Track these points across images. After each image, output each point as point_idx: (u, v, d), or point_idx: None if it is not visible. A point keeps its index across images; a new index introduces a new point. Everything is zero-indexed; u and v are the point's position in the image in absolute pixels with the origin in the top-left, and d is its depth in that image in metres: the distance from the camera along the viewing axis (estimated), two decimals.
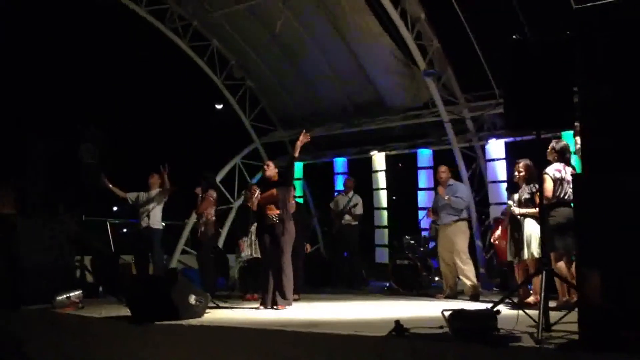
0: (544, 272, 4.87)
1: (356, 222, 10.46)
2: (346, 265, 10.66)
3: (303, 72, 12.35)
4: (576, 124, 5.40)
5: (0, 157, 8.25)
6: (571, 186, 6.39)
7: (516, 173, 7.09)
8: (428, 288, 9.21)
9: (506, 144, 10.89)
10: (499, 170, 10.85)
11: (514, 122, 5.12)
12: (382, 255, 12.03)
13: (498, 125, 11.28)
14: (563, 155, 6.54)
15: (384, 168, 12.25)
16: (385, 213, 12.15)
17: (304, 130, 7.21)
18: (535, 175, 7.13)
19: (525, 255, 6.77)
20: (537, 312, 5.23)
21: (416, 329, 4.80)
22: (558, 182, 6.35)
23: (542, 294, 4.76)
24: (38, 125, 9.05)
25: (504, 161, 10.83)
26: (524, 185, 7.02)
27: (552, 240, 6.31)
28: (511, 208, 6.99)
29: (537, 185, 6.87)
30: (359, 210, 10.44)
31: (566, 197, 6.35)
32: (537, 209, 6.75)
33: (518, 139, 10.84)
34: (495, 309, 4.72)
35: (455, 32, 10.82)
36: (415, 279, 9.29)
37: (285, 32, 11.61)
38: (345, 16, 10.91)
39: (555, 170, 6.39)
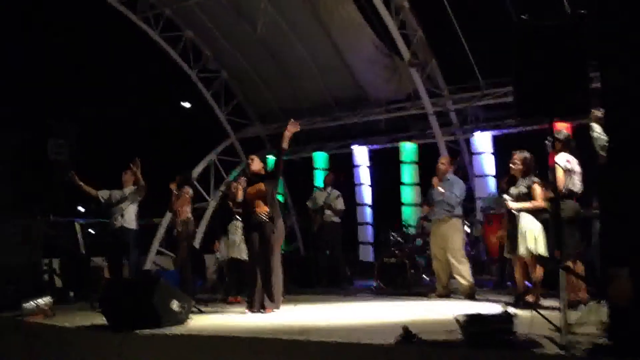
0: (562, 271, 4.54)
1: (338, 219, 10.05)
2: (328, 263, 10.24)
3: (282, 64, 11.90)
4: (593, 111, 5.11)
5: None
6: (579, 178, 6.13)
7: (512, 165, 6.76)
8: (416, 287, 8.86)
9: (493, 136, 10.61)
10: (486, 163, 10.57)
11: (526, 110, 4.77)
12: (367, 253, 11.67)
13: (482, 118, 11.03)
14: (567, 145, 6.23)
15: (367, 163, 11.88)
16: (368, 209, 11.78)
17: (292, 119, 6.74)
18: (532, 168, 6.85)
19: (521, 250, 6.46)
20: (551, 312, 4.95)
21: (424, 334, 4.42)
22: (567, 173, 6.04)
23: (562, 295, 4.42)
24: (2, 119, 8.37)
25: (492, 155, 10.55)
26: (520, 179, 6.71)
27: (561, 235, 6.00)
28: (506, 202, 6.66)
29: (534, 178, 6.58)
30: (340, 204, 10.02)
31: (574, 189, 6.05)
32: (534, 203, 6.48)
33: (505, 131, 10.60)
34: (511, 312, 4.38)
35: (439, 22, 10.52)
36: (404, 278, 8.92)
37: (264, 23, 11.15)
38: (327, 5, 10.50)
39: (565, 160, 6.08)
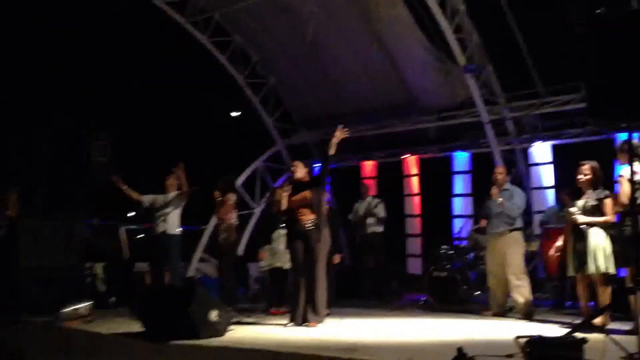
0: (637, 292, 4.06)
1: (381, 228, 9.67)
2: (374, 275, 9.84)
3: (330, 69, 11.58)
4: None
5: (3, 156, 7.56)
6: None
7: (581, 176, 6.25)
8: (468, 303, 8.38)
9: (552, 146, 10.04)
10: (544, 175, 9.99)
11: (600, 113, 4.32)
12: (415, 266, 11.20)
13: (540, 127, 10.46)
14: (637, 155, 5.69)
15: (417, 172, 11.44)
16: (417, 221, 11.33)
17: (340, 125, 6.43)
18: (602, 179, 6.33)
19: (591, 269, 5.95)
20: (623, 337, 4.46)
21: (481, 357, 4.00)
22: (636, 185, 5.50)
23: (637, 318, 3.94)
24: (45, 121, 8.30)
25: (551, 165, 9.98)
26: (589, 191, 6.19)
27: (627, 252, 5.49)
28: (573, 216, 6.15)
29: (606, 191, 6.06)
30: (382, 212, 9.64)
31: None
32: (605, 217, 5.96)
33: (566, 141, 10.00)
34: (581, 337, 3.92)
35: (496, 25, 10.03)
36: (454, 293, 8.46)
37: (311, 27, 10.90)
38: (377, 7, 10.15)
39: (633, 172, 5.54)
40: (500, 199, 7.06)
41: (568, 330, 5.72)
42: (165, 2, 10.93)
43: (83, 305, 6.74)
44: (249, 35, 11.73)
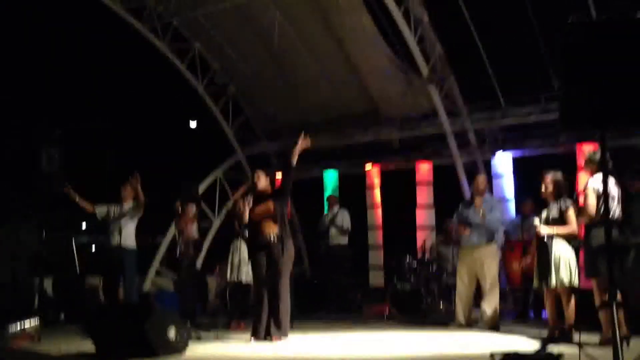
0: (614, 306, 3.96)
1: (345, 240, 9.52)
2: (337, 288, 9.66)
3: (292, 78, 11.42)
4: None
5: None
6: (616, 202, 5.56)
7: (543, 187, 6.20)
8: (432, 315, 8.27)
9: (513, 158, 10.07)
10: (506, 186, 10.01)
11: (573, 121, 4.22)
12: (377, 278, 11.06)
13: (501, 139, 10.50)
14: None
15: (379, 183, 11.33)
16: (379, 232, 11.20)
17: (303, 134, 6.23)
18: (565, 190, 6.30)
19: (554, 281, 5.88)
20: (595, 350, 4.38)
21: None
22: (601, 197, 5.46)
23: (615, 333, 3.84)
24: None
25: (511, 177, 10.00)
26: (551, 202, 6.14)
27: (595, 263, 5.44)
28: (536, 228, 6.08)
29: (568, 201, 6.02)
30: (346, 223, 9.49)
31: (610, 215, 5.45)
32: (567, 228, 5.92)
33: (527, 153, 10.05)
34: (557, 352, 3.80)
35: (458, 37, 10.04)
36: (418, 306, 8.35)
37: (274, 34, 10.70)
38: (340, 16, 10.04)
39: (600, 183, 5.50)
40: (482, 211, 6.93)
41: (538, 343, 5.68)
42: (123, 8, 10.58)
43: (30, 324, 6.31)
44: (209, 43, 11.47)
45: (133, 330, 5.15)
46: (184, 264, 8.00)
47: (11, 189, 7.16)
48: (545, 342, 5.21)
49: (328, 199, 9.93)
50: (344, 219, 9.50)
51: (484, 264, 6.89)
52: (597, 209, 5.45)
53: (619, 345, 3.80)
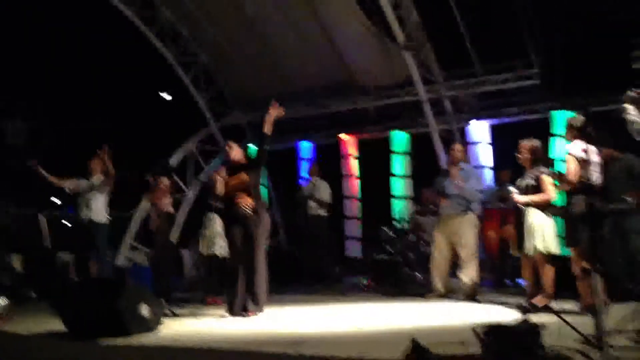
0: (596, 275, 3.91)
1: (324, 212, 9.38)
2: (314, 259, 9.56)
3: (265, 47, 11.13)
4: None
5: None
6: (598, 169, 5.50)
7: (519, 155, 6.14)
8: (410, 285, 8.24)
9: (491, 126, 10.00)
10: (483, 154, 9.95)
11: (554, 85, 4.12)
12: (355, 249, 11.00)
13: (478, 106, 10.41)
14: (584, 132, 5.58)
15: (355, 153, 11.21)
16: (357, 203, 11.11)
17: (274, 102, 6.04)
18: (541, 158, 6.24)
19: (528, 248, 5.85)
20: (574, 318, 4.34)
21: (436, 346, 3.75)
22: (582, 164, 5.40)
23: (598, 302, 3.79)
24: None
25: (489, 145, 9.94)
26: (527, 170, 6.08)
27: (575, 232, 5.40)
28: (513, 195, 6.03)
29: (542, 169, 5.97)
30: (326, 196, 9.35)
31: (590, 181, 5.40)
32: (542, 196, 5.87)
33: (504, 120, 9.98)
34: (538, 322, 3.73)
35: (433, 3, 9.84)
36: (396, 276, 8.32)
37: (246, 1, 10.40)
38: None
39: (580, 150, 5.44)
40: (458, 181, 6.84)
41: (517, 312, 5.66)
42: None
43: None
44: (179, 9, 11.09)
45: (104, 307, 4.99)
46: (158, 238, 7.81)
47: None
48: (524, 311, 5.17)
49: (310, 168, 9.67)
50: (325, 191, 9.33)
51: (461, 233, 6.84)
52: (578, 176, 5.39)
53: (601, 313, 3.76)
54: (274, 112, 6.02)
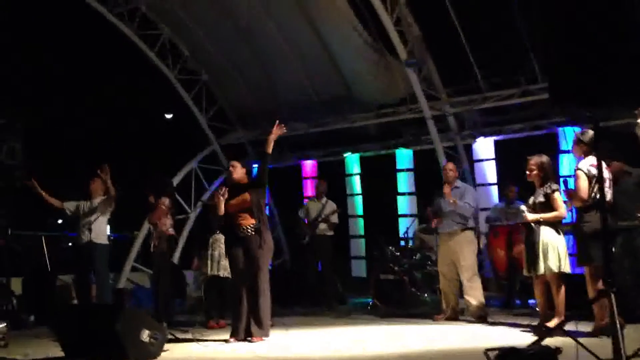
0: (611, 295, 3.76)
1: (331, 232, 9.21)
2: (319, 279, 9.37)
3: (266, 64, 11.07)
4: None
5: None
6: (609, 185, 5.36)
7: (527, 172, 6.00)
8: (416, 306, 8.06)
9: (495, 142, 9.87)
10: (488, 171, 9.81)
11: (564, 97, 3.99)
12: (359, 269, 10.83)
13: (480, 123, 10.31)
14: (593, 147, 5.45)
15: (358, 171, 11.08)
16: (361, 221, 10.96)
17: (278, 122, 5.95)
18: (551, 174, 6.10)
19: (541, 269, 5.70)
20: (591, 341, 4.18)
21: None
22: (593, 180, 5.27)
23: (614, 322, 3.64)
24: None
25: (494, 161, 9.81)
26: (537, 187, 5.94)
27: (588, 250, 5.25)
28: (523, 214, 5.88)
29: (553, 186, 5.82)
30: (335, 218, 9.19)
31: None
32: (554, 214, 5.72)
33: (509, 136, 9.86)
34: (554, 346, 3.59)
35: (435, 17, 9.75)
36: (403, 296, 8.12)
37: (246, 18, 10.35)
38: None
39: (589, 165, 5.31)
40: (453, 199, 6.75)
41: (530, 334, 5.49)
42: None
43: None
44: (178, 27, 11.05)
45: (104, 332, 4.86)
46: (158, 259, 7.66)
47: None
48: (539, 334, 4.99)
49: (317, 186, 9.43)
50: (334, 213, 9.15)
51: (459, 253, 6.73)
52: (588, 192, 5.26)
53: (620, 337, 3.61)
54: (278, 132, 5.92)
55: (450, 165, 7.16)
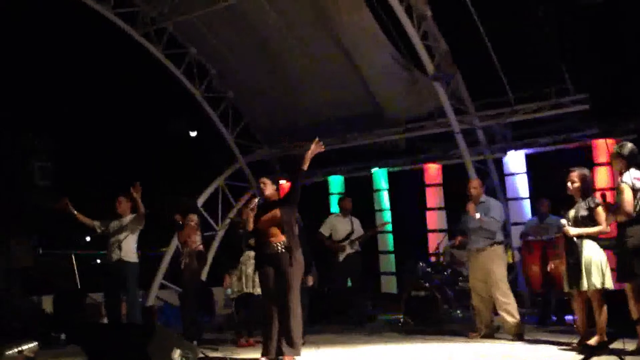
0: None
1: (360, 249, 9.11)
2: (349, 297, 9.23)
3: (291, 81, 11.06)
4: None
5: None
6: None
7: (569, 184, 5.84)
8: (449, 323, 7.90)
9: (526, 155, 9.71)
10: (520, 185, 9.64)
11: (606, 109, 3.88)
12: (389, 285, 10.69)
13: (510, 136, 10.15)
14: (634, 160, 5.31)
15: (386, 186, 10.98)
16: (390, 237, 10.83)
17: (317, 139, 5.89)
18: (591, 188, 5.95)
19: (585, 285, 5.53)
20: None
21: None
22: (637, 193, 5.11)
23: None
24: None
25: (525, 175, 9.64)
26: (578, 200, 5.78)
27: (630, 266, 5.09)
28: (565, 228, 5.73)
29: (597, 199, 5.66)
30: (361, 233, 9.09)
31: None
32: (598, 227, 5.56)
33: (540, 149, 9.69)
34: None
35: (462, 30, 9.67)
36: (435, 313, 7.97)
37: (270, 36, 10.39)
38: (339, 14, 9.70)
39: (634, 178, 5.16)
40: (478, 215, 6.62)
41: (569, 352, 5.33)
42: (114, 12, 10.23)
43: (28, 347, 5.95)
44: (205, 47, 11.12)
45: (135, 352, 4.81)
46: (187, 276, 7.63)
47: (1, 203, 6.77)
48: (584, 352, 4.84)
49: (344, 203, 9.29)
50: (360, 230, 9.04)
51: (489, 268, 6.57)
52: (633, 206, 5.10)
53: None
54: (315, 149, 5.84)
55: (475, 183, 7.01)
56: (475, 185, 6.97)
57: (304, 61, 10.60)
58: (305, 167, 5.75)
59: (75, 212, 7.58)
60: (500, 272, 6.59)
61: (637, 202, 5.10)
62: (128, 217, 7.70)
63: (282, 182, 10.58)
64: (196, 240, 7.61)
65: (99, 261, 10.60)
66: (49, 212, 7.40)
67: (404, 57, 9.97)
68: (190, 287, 7.69)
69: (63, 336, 7.77)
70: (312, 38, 10.27)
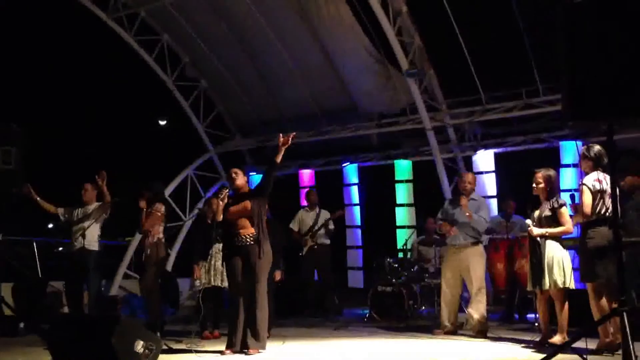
0: (624, 314, 3.66)
1: (329, 241, 9.10)
2: (317, 290, 9.22)
3: (265, 72, 10.99)
4: None
5: None
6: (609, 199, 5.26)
7: (534, 184, 5.89)
8: (414, 319, 7.95)
9: (496, 154, 9.79)
10: (488, 184, 9.73)
11: (580, 112, 3.91)
12: (356, 280, 10.70)
13: (480, 134, 10.23)
14: (599, 163, 5.37)
15: (357, 181, 10.97)
16: (359, 232, 10.84)
17: (290, 132, 5.84)
18: (557, 189, 6.02)
19: (547, 284, 5.60)
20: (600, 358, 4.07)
21: None
22: (598, 195, 5.18)
23: (627, 341, 3.54)
24: None
25: (494, 174, 9.73)
26: (543, 201, 5.84)
27: (592, 266, 5.15)
28: (529, 228, 5.78)
29: (561, 200, 5.73)
30: (332, 224, 9.09)
31: (607, 213, 5.17)
32: (561, 228, 5.63)
33: (509, 149, 9.79)
34: None
35: (437, 28, 9.70)
36: (401, 309, 8.01)
37: (247, 25, 10.28)
38: (317, 6, 9.65)
39: (594, 180, 5.22)
40: (469, 211, 6.60)
41: (531, 350, 5.39)
42: None
43: None
44: (179, 35, 10.96)
45: (98, 344, 4.71)
46: (150, 267, 7.49)
47: None
48: (546, 350, 4.88)
49: (309, 196, 9.29)
50: (329, 220, 9.04)
51: (469, 265, 6.56)
52: (592, 207, 5.17)
53: (633, 355, 3.50)
54: (286, 141, 5.76)
55: (470, 177, 6.88)
56: (470, 179, 6.86)
57: (280, 52, 10.53)
58: (279, 158, 5.69)
59: (38, 198, 7.39)
60: (480, 271, 6.60)
61: (598, 204, 5.16)
62: (93, 205, 7.53)
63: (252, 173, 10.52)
64: (160, 231, 7.47)
65: (61, 249, 10.38)
66: (11, 197, 7.19)
67: (379, 53, 9.97)
68: (153, 277, 7.55)
69: (22, 325, 7.58)
70: (290, 30, 10.21)
